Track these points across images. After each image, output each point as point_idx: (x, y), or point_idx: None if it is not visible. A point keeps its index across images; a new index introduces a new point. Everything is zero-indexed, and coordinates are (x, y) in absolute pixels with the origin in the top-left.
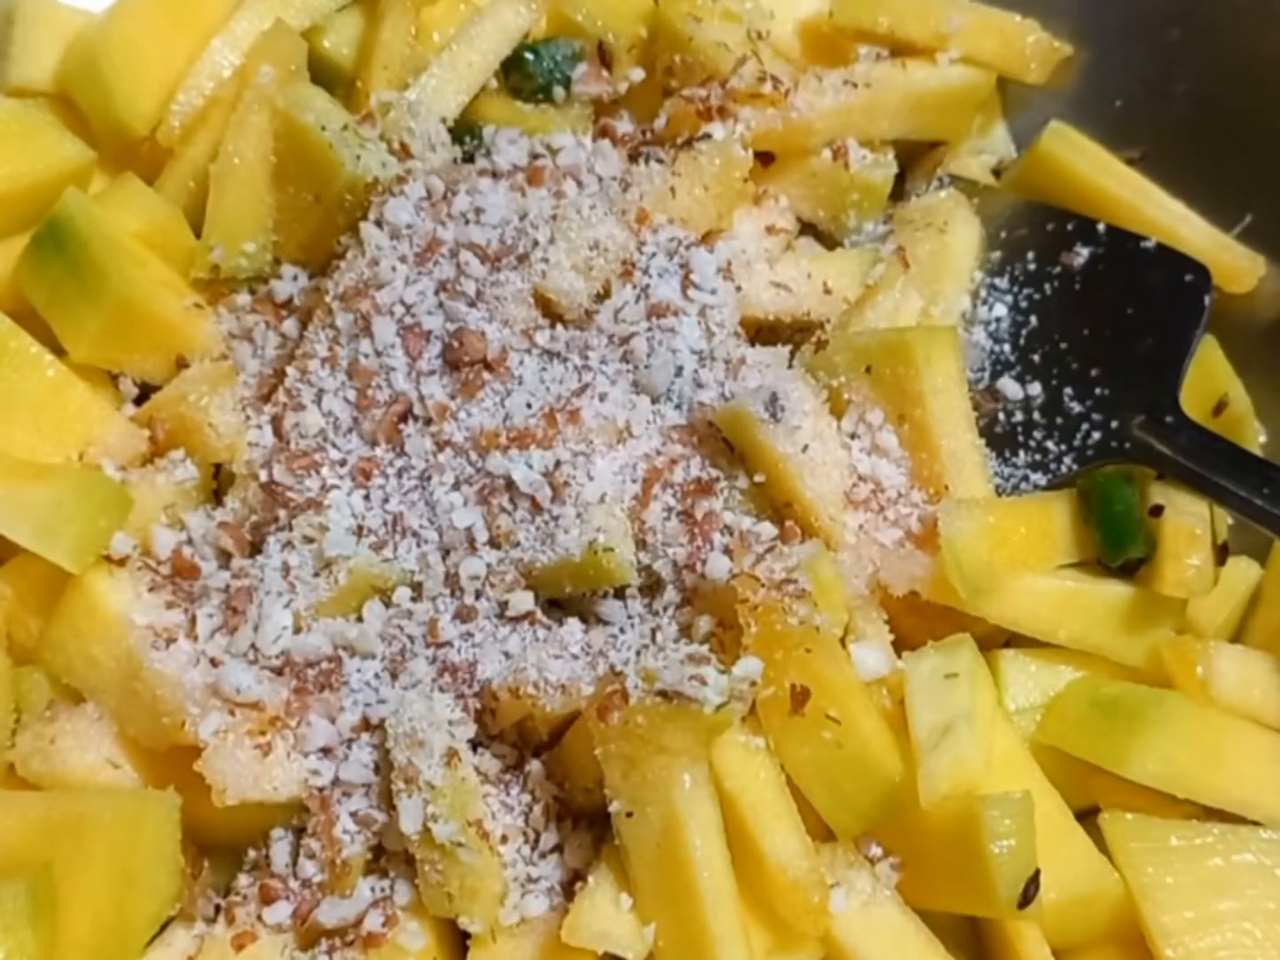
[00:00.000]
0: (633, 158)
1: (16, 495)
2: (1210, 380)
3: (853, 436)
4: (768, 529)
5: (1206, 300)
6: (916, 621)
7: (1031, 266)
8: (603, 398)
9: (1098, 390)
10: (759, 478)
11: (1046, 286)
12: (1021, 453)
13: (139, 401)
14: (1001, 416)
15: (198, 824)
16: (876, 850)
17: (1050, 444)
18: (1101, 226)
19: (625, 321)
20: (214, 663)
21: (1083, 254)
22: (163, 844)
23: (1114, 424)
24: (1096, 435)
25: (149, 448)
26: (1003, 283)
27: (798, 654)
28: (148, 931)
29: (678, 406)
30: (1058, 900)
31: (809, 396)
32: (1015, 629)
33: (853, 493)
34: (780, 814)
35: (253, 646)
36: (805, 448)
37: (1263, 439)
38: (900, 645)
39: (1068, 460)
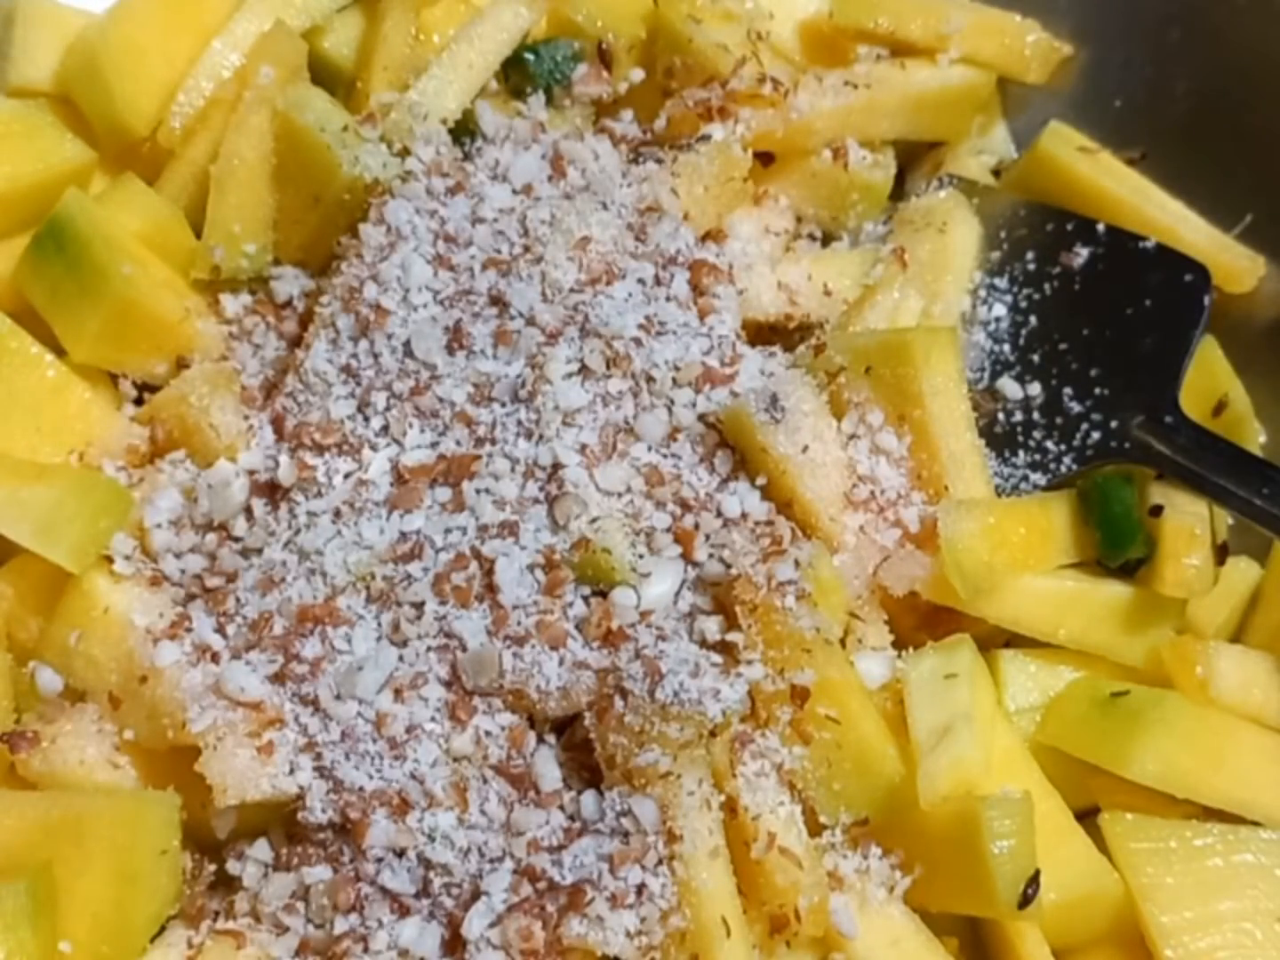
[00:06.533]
0: (633, 158)
1: (16, 495)
2: (1210, 380)
3: (853, 437)
4: (768, 530)
5: (1206, 300)
6: (916, 621)
7: (1031, 266)
8: (605, 399)
9: (1097, 390)
10: (760, 479)
11: (1046, 286)
12: (1021, 453)
13: (139, 401)
14: (1001, 416)
15: (198, 824)
16: (876, 850)
17: (1050, 444)
18: (1101, 226)
19: (625, 323)
20: (214, 662)
21: (1083, 254)
22: (163, 844)
23: (1114, 424)
24: (1096, 435)
25: (149, 448)
26: (1002, 283)
27: (797, 655)
28: (148, 931)
29: (681, 407)
30: (1058, 900)
31: (809, 397)
32: (1015, 629)
33: (853, 493)
34: (780, 814)
35: (252, 647)
36: (805, 448)
37: (1263, 439)
38: (900, 645)
39: (1067, 460)
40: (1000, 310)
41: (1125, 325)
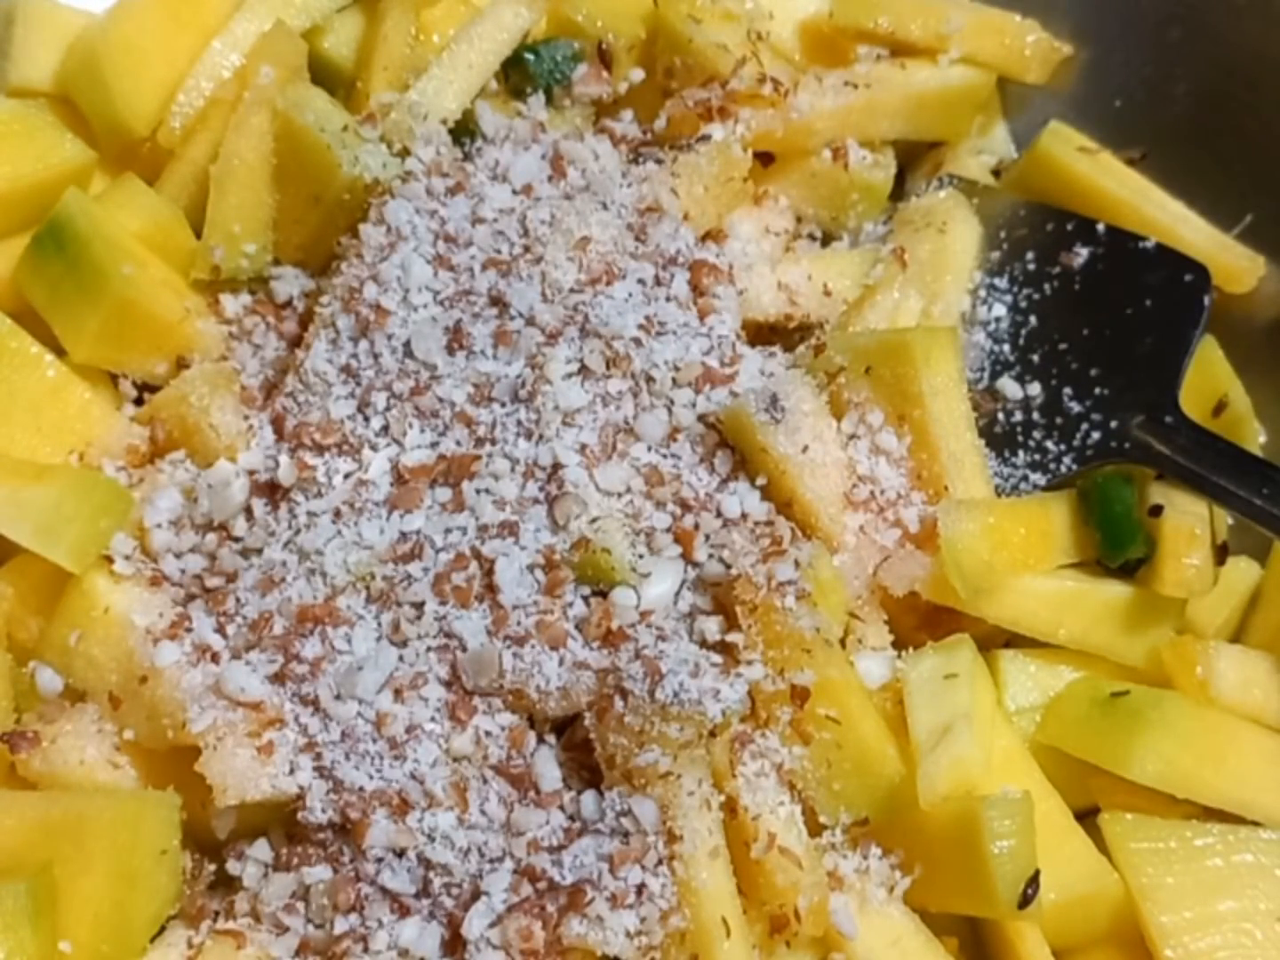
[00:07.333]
0: (633, 158)
1: (16, 495)
2: (1210, 380)
3: (853, 437)
4: (768, 530)
5: (1206, 300)
6: (916, 621)
7: (1031, 266)
8: (605, 399)
9: (1097, 390)
10: (760, 479)
11: (1046, 286)
12: (1021, 453)
13: (139, 401)
14: (1001, 416)
15: (198, 824)
16: (876, 850)
17: (1050, 444)
18: (1101, 226)
19: (625, 323)
20: (214, 662)
21: (1082, 254)
22: (163, 844)
23: (1114, 424)
24: (1096, 435)
25: (149, 448)
26: (1002, 283)
27: (797, 655)
28: (148, 931)
29: (681, 407)
30: (1058, 900)
31: (809, 397)
32: (1015, 629)
33: (853, 493)
34: (780, 814)
35: (252, 647)
36: (805, 448)
37: (1263, 439)
38: (900, 645)
39: (1067, 460)
40: (1000, 310)
41: (1125, 325)
